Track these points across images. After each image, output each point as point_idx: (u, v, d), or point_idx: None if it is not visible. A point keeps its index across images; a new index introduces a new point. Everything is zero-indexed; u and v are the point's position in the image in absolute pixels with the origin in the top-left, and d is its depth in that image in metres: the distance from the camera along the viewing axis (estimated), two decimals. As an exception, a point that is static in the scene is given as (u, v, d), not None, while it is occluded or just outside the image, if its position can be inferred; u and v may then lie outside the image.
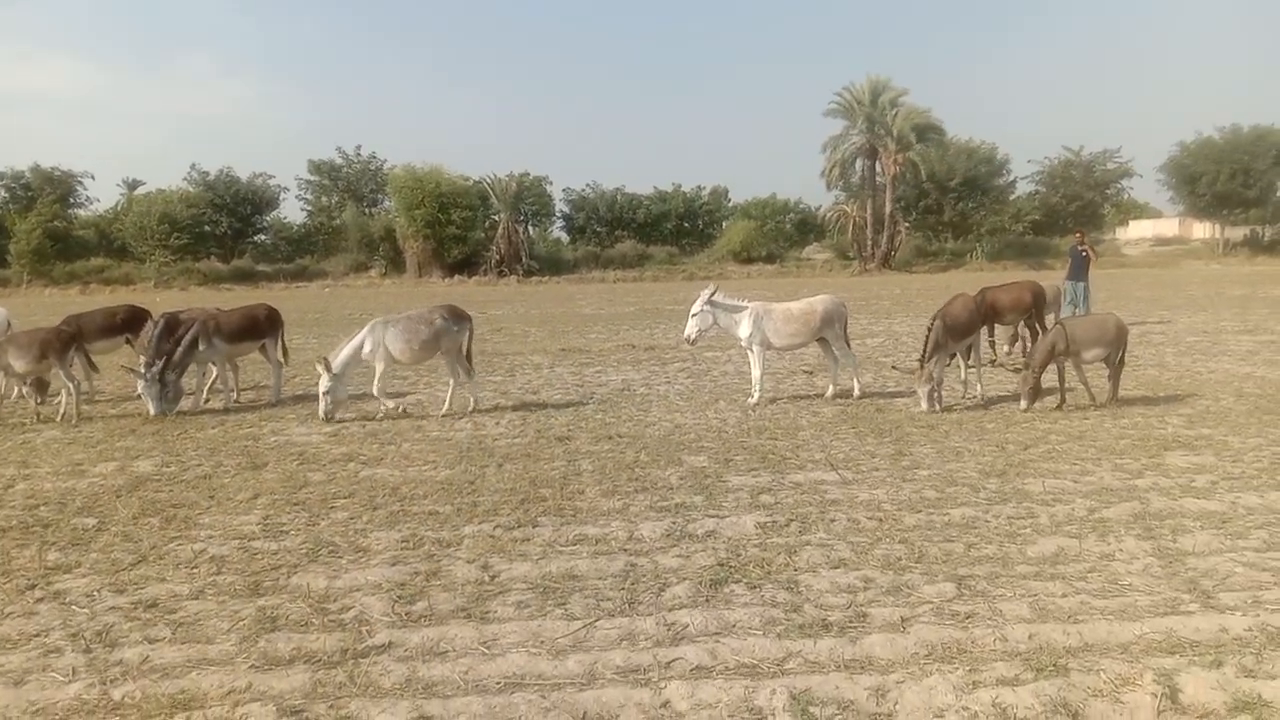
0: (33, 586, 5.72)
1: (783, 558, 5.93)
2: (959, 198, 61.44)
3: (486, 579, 5.70)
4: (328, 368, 10.62)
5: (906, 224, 57.92)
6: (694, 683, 4.28)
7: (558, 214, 67.21)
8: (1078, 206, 63.50)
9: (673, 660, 4.55)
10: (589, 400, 12.14)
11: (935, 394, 10.66)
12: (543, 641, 4.78)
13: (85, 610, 5.32)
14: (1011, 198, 64.80)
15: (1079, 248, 18.67)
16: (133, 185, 65.19)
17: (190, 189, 58.13)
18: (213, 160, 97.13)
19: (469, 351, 11.46)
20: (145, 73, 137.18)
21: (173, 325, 11.29)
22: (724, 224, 68.29)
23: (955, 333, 11.05)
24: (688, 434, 9.84)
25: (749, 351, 11.63)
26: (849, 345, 12.07)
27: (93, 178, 65.66)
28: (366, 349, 10.85)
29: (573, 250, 61.68)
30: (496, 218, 56.33)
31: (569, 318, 26.82)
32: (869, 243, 55.76)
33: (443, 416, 11.00)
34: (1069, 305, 17.49)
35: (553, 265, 56.60)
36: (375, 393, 11.00)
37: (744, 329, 11.38)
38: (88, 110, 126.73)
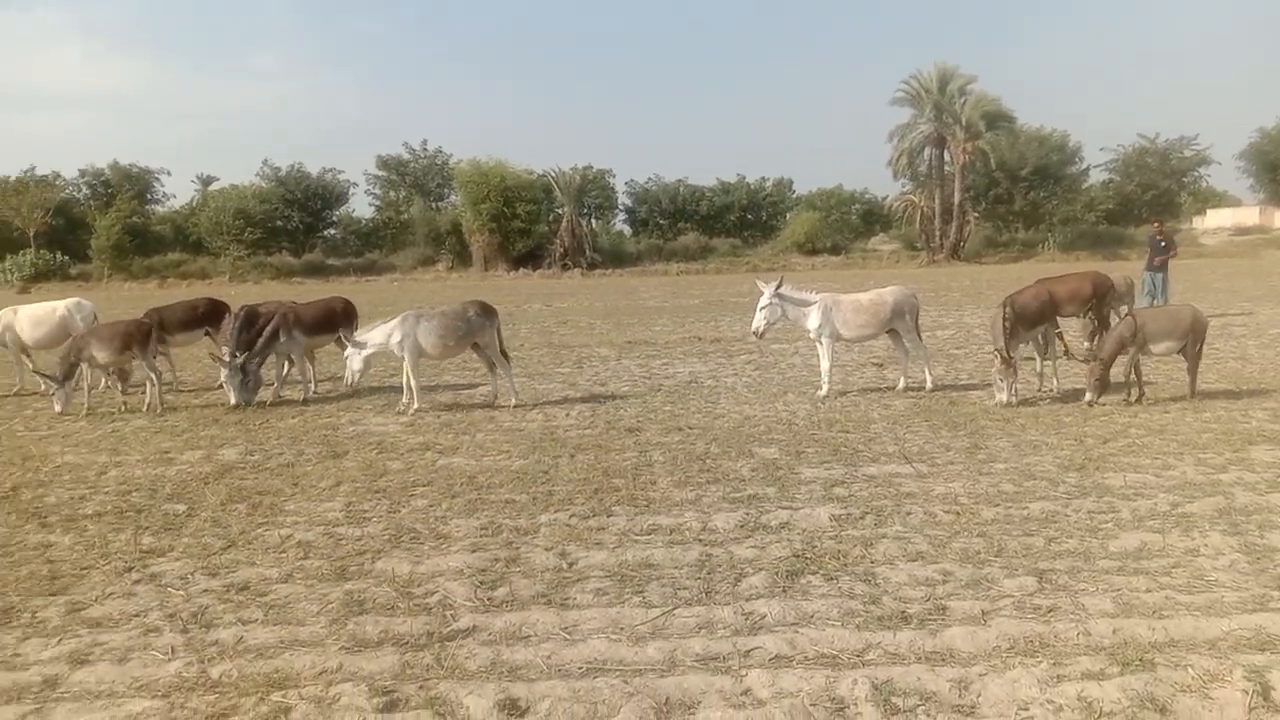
0: (130, 569, 5.96)
1: (859, 550, 5.92)
2: (1030, 187, 60.08)
3: (564, 566, 5.79)
4: (353, 342, 11.04)
5: (975, 214, 56.84)
6: (774, 671, 4.31)
7: (620, 207, 67.47)
8: (1153, 195, 61.67)
9: (752, 649, 4.59)
10: (657, 392, 12.20)
11: (1014, 385, 10.47)
12: (622, 628, 4.85)
13: (181, 592, 5.53)
14: (1084, 186, 63.21)
15: (1157, 237, 18.19)
16: (207, 181, 67.16)
17: (263, 184, 59.56)
18: (283, 156, 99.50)
19: (502, 344, 11.59)
20: (216, 71, 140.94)
21: (252, 317, 11.62)
22: (788, 215, 67.88)
23: (1025, 321, 10.86)
24: (757, 426, 9.84)
25: (818, 344, 11.57)
26: (920, 337, 11.94)
27: (169, 174, 67.80)
28: (395, 339, 11.00)
29: (635, 243, 61.82)
30: (560, 211, 56.70)
31: (633, 310, 26.90)
32: (937, 233, 54.84)
33: (514, 408, 11.13)
34: (1146, 296, 17.04)
35: (616, 258, 56.77)
36: (404, 384, 11.17)
37: (813, 321, 11.33)
38: (162, 108, 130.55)
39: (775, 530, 6.38)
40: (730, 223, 65.57)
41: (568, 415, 10.80)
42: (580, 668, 4.45)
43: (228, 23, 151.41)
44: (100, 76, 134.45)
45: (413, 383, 11.07)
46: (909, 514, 6.68)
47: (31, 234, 53.23)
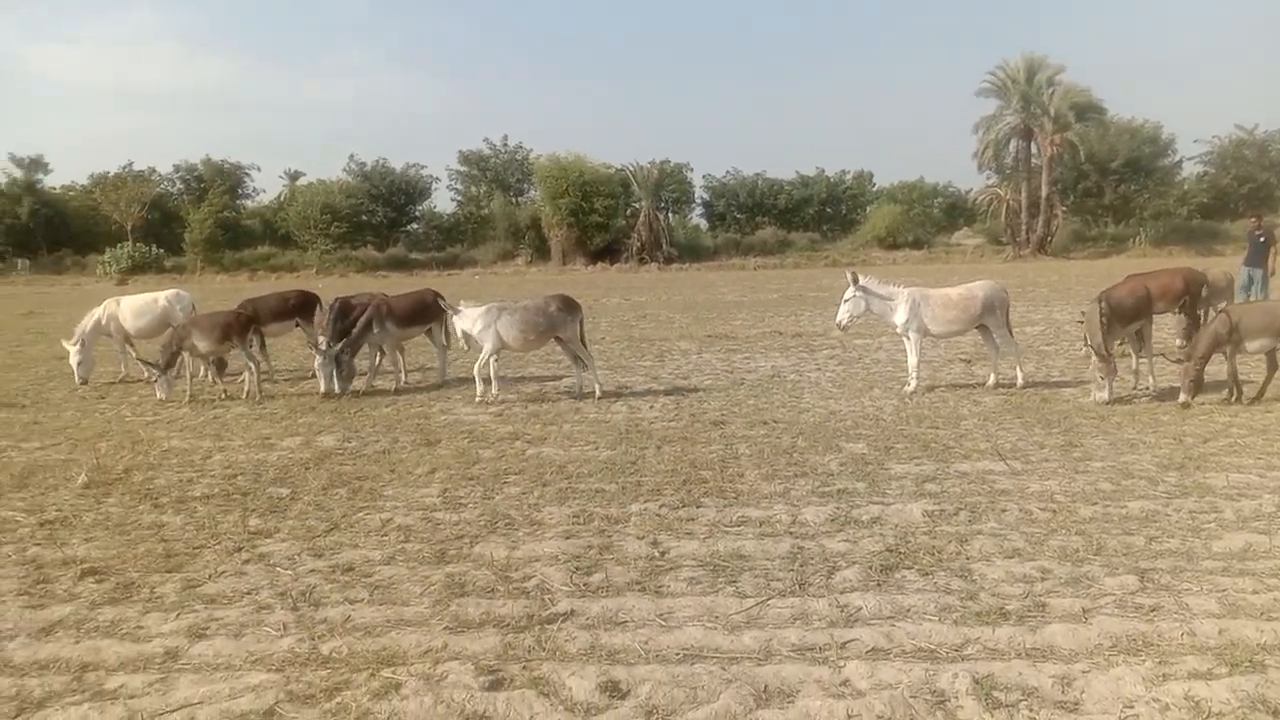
0: (240, 549, 6.21)
1: (954, 546, 5.87)
2: (1120, 180, 58.27)
3: (657, 555, 5.87)
4: (453, 309, 11.52)
5: (1063, 208, 55.40)
6: (872, 663, 4.32)
7: (697, 201, 67.44)
8: (1250, 189, 59.05)
9: (848, 641, 4.60)
10: (740, 386, 12.21)
11: (1113, 383, 10.23)
12: (717, 617, 4.90)
13: (289, 572, 5.75)
14: (1178, 179, 61.04)
15: (1256, 232, 17.53)
16: (294, 176, 69.08)
17: (349, 179, 61.04)
18: (367, 151, 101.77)
19: (583, 337, 11.69)
20: (302, 70, 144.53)
21: (346, 309, 11.95)
22: (867, 209, 67.03)
23: (1121, 317, 10.59)
24: (843, 421, 9.79)
25: (905, 339, 11.44)
26: (1011, 333, 11.73)
27: (259, 169, 69.96)
28: (478, 328, 11.21)
29: (712, 237, 61.69)
30: (637, 205, 56.94)
31: (712, 304, 26.89)
32: (1023, 227, 53.64)
33: (598, 400, 11.26)
34: (1242, 291, 16.42)
35: (692, 252, 56.78)
36: (475, 372, 11.35)
37: (900, 315, 11.21)
38: (251, 105, 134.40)
39: (867, 525, 6.36)
40: (809, 216, 65.04)
41: (652, 408, 10.88)
42: (677, 653, 4.52)
43: (313, 21, 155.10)
44: (193, 75, 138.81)
45: (485, 373, 11.28)
46: (1004, 511, 6.59)
47: (129, 228, 55.50)
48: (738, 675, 4.25)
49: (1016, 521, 6.39)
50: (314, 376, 13.58)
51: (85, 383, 13.26)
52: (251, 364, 12.21)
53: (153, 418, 11.02)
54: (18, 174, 60.17)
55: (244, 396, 12.04)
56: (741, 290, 33.26)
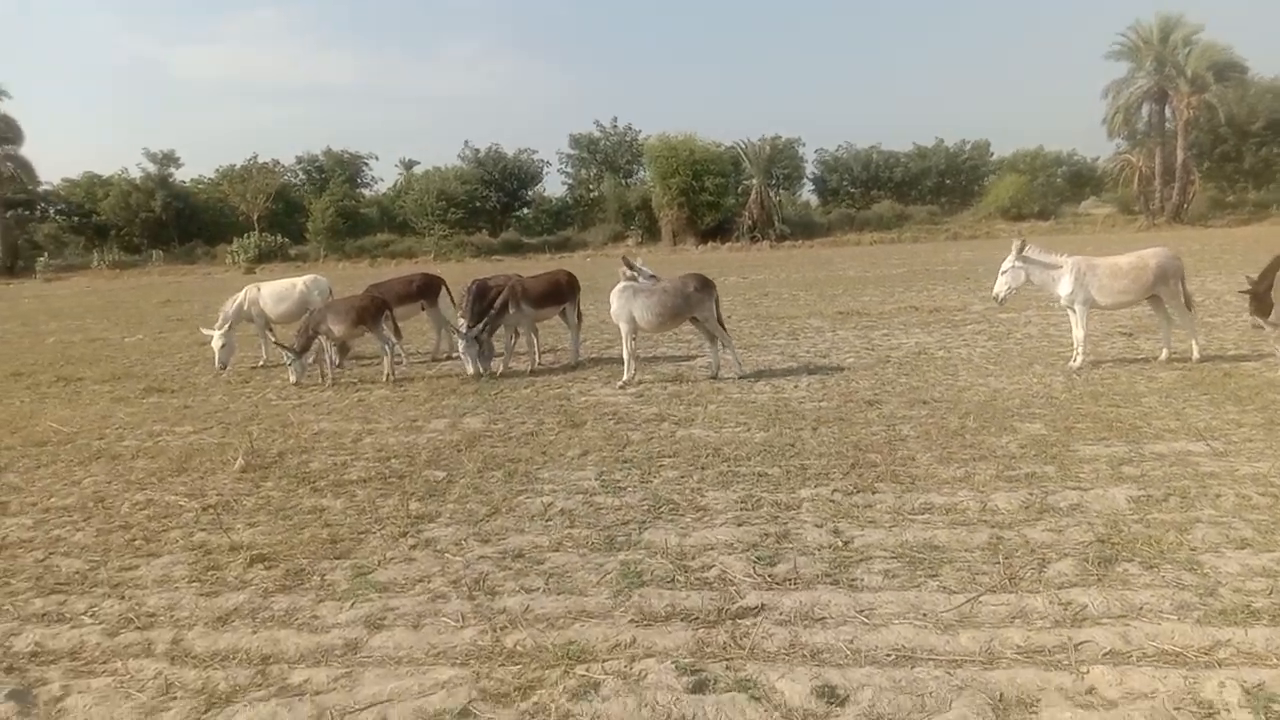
0: (404, 534, 6.07)
1: (1173, 536, 5.30)
2: (1262, 143, 54.59)
3: (840, 544, 5.47)
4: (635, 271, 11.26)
5: (1199, 173, 52.22)
6: (1118, 669, 3.85)
7: (808, 176, 66.16)
8: None
9: (1080, 643, 4.13)
10: (885, 364, 11.65)
11: None
12: (925, 614, 4.49)
13: (458, 558, 5.57)
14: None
15: None
16: (409, 165, 70.52)
17: (463, 166, 61.94)
18: (480, 138, 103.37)
19: (720, 317, 11.25)
20: (416, 60, 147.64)
21: (484, 290, 11.85)
22: (986, 180, 64.68)
23: None
24: (1010, 399, 9.17)
25: (1070, 311, 10.68)
26: (1190, 304, 10.84)
27: (377, 158, 71.71)
28: (614, 308, 10.94)
29: (824, 213, 60.43)
30: (749, 183, 56.12)
31: (833, 281, 26.16)
32: (1157, 195, 50.87)
33: (740, 379, 10.88)
34: None
35: (804, 229, 55.72)
36: (624, 356, 11.06)
37: (1064, 287, 10.46)
38: (368, 97, 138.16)
39: (1067, 512, 5.83)
40: (927, 189, 63.09)
41: (795, 387, 10.45)
42: (888, 655, 4.13)
43: (425, 13, 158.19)
44: (312, 70, 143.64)
45: (626, 354, 10.99)
46: (1218, 496, 5.97)
47: (255, 218, 57.52)
48: (967, 681, 3.83)
49: (1235, 508, 5.77)
50: (447, 359, 13.68)
51: (225, 368, 13.51)
52: (386, 347, 12.24)
53: (298, 401, 11.12)
54: (152, 169, 63.02)
55: (384, 379, 12.07)
56: (862, 266, 32.34)
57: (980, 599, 4.61)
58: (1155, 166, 50.97)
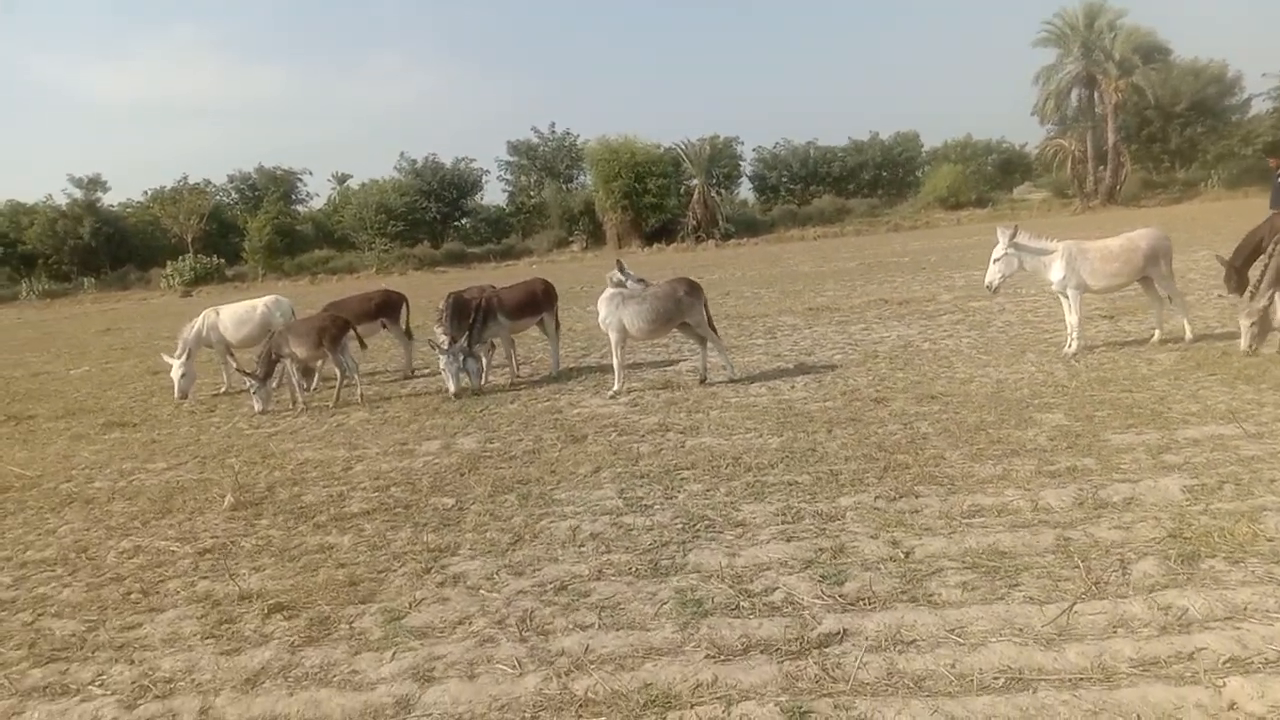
0: (428, 570, 5.63)
1: (1245, 526, 5.09)
2: (1186, 123, 56.20)
3: (902, 556, 5.17)
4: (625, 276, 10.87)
5: (1129, 155, 53.42)
6: (1255, 679, 3.59)
7: (745, 175, 66.35)
8: (1329, 121, 56.52)
9: (1195, 651, 3.87)
10: (875, 359, 11.43)
11: (1259, 330, 9.39)
12: (1020, 629, 4.20)
13: (495, 595, 5.15)
14: (1248, 117, 58.49)
15: (1277, 175, 16.92)
16: (342, 179, 69.30)
17: (401, 178, 60.89)
18: (415, 148, 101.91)
19: (710, 319, 10.96)
20: (343, 72, 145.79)
21: (461, 304, 11.38)
22: (920, 171, 65.55)
23: None
24: (1018, 390, 8.99)
25: (1062, 296, 10.58)
26: (1174, 283, 10.81)
27: (311, 174, 70.19)
28: (601, 316, 10.60)
29: (764, 210, 60.61)
30: (690, 184, 56.00)
31: (789, 277, 26.02)
32: (1090, 178, 51.87)
33: (733, 382, 10.58)
34: None
35: (748, 227, 55.76)
36: (614, 366, 10.70)
37: (1056, 272, 10.34)
38: (297, 111, 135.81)
39: (1124, 507, 5.61)
40: (864, 182, 63.68)
41: (792, 387, 10.18)
42: (996, 678, 3.83)
43: (349, 26, 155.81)
44: (238, 86, 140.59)
45: (616, 364, 10.63)
46: (1273, 481, 5.80)
47: (189, 240, 55.87)
48: (1097, 704, 3.55)
49: (1294, 493, 5.60)
50: (418, 376, 13.16)
51: (186, 397, 12.86)
52: (339, 370, 11.66)
53: (273, 429, 10.53)
54: (78, 194, 60.97)
55: (358, 399, 11.53)
56: (813, 261, 32.30)
57: (1074, 609, 4.33)
58: (1088, 150, 51.94)
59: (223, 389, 13.75)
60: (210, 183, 65.30)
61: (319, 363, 12.55)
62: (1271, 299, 9.63)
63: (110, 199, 63.68)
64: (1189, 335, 10.48)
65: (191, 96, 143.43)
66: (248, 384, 11.96)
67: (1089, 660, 3.89)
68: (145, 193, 63.15)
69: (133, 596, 5.61)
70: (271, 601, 5.29)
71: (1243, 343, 9.47)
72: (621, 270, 10.84)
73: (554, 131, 65.53)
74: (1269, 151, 22.53)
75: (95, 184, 61.74)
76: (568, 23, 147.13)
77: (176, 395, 12.80)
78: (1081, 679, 3.76)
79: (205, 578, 5.85)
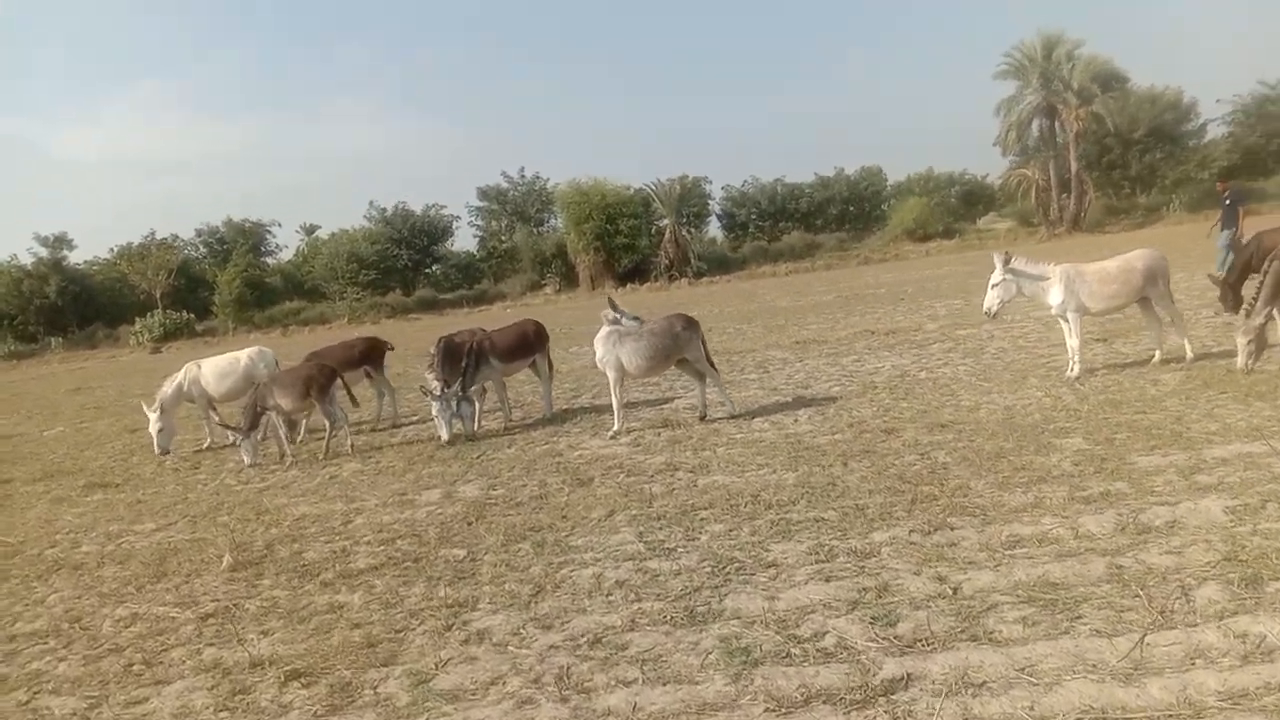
0: (449, 627, 5.34)
1: (1299, 546, 4.94)
2: (1145, 149, 57.38)
3: (950, 592, 4.95)
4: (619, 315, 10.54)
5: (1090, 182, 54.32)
6: (1358, 711, 3.41)
7: (713, 213, 66.80)
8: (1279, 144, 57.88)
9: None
10: (874, 390, 11.27)
11: (1255, 348, 9.37)
12: (1094, 665, 3.99)
13: (526, 651, 4.87)
14: (1204, 143, 59.77)
15: (1223, 196, 18.61)
16: (310, 230, 68.92)
17: (371, 226, 60.64)
18: (384, 197, 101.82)
19: (708, 354, 10.79)
20: (308, 123, 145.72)
21: (453, 348, 11.12)
22: (885, 205, 66.34)
23: None
24: (1029, 415, 8.86)
25: (1062, 320, 10.51)
26: (1173, 303, 10.78)
27: (280, 225, 69.76)
28: (599, 355, 10.41)
29: (734, 248, 60.94)
30: (660, 224, 56.19)
31: (768, 312, 25.98)
32: (1054, 205, 52.62)
33: (733, 417, 10.39)
34: (1220, 252, 17.45)
35: (720, 264, 56.04)
36: (614, 405, 10.47)
37: (1055, 296, 10.28)
38: (263, 164, 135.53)
39: (1169, 530, 5.44)
40: (831, 217, 64.28)
41: (796, 421, 9.99)
42: (1078, 719, 3.61)
43: (310, 78, 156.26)
44: (204, 140, 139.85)
45: (615, 403, 10.40)
46: (1315, 499, 5.67)
47: (158, 295, 55.17)
48: (1197, 744, 3.34)
49: (1337, 511, 5.47)
50: (404, 424, 12.85)
51: (167, 453, 12.47)
52: (329, 421, 11.36)
53: (262, 484, 10.17)
54: (43, 253, 60.18)
55: (348, 448, 11.20)
56: (789, 296, 32.33)
57: (1145, 640, 4.13)
58: (1051, 178, 52.73)
59: (205, 444, 13.36)
60: (178, 237, 64.89)
61: (306, 414, 12.22)
62: (1268, 316, 9.63)
63: (77, 256, 63.11)
64: (1189, 355, 10.42)
65: (156, 152, 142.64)
66: (231, 438, 11.61)
67: (1174, 695, 3.68)
68: (112, 249, 62.59)
69: (135, 668, 5.26)
70: (286, 668, 4.97)
71: (1239, 360, 9.42)
72: (614, 308, 10.62)
73: (524, 175, 65.82)
74: (1223, 177, 24.13)
75: (61, 242, 61.12)
76: (533, 70, 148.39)
77: (156, 451, 12.40)
78: (1170, 715, 3.55)
79: (211, 644, 5.52)
